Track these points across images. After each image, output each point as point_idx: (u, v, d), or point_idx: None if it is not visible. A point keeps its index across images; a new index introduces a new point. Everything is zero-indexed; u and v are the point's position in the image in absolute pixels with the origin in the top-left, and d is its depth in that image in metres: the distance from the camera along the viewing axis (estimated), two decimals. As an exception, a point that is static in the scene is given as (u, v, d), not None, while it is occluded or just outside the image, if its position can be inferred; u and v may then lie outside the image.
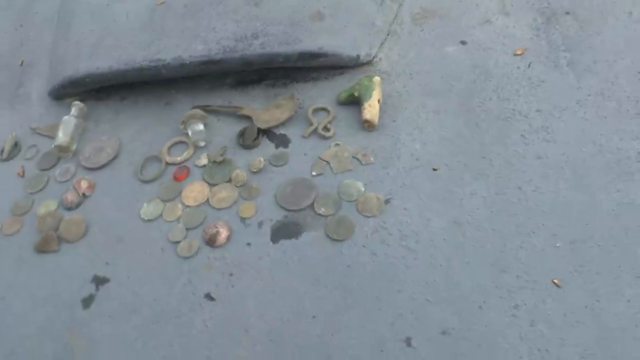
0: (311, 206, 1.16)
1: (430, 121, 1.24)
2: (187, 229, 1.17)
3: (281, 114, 1.30)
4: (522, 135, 1.19)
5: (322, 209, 1.14)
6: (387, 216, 1.12)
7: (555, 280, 1.00)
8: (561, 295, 0.99)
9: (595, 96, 1.22)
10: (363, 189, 1.16)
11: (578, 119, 1.19)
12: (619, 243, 1.03)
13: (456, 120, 1.24)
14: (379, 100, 1.26)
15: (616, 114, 1.20)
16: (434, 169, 1.17)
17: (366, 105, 1.23)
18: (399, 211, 1.12)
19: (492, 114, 1.23)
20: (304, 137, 1.26)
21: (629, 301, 0.97)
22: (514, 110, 1.23)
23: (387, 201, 1.14)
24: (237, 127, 1.31)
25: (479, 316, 0.98)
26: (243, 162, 1.24)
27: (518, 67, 1.30)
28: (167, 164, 1.28)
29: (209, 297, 1.06)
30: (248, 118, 1.31)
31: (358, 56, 1.35)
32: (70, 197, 1.25)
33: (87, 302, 1.11)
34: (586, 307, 0.97)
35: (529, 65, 1.30)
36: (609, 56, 1.29)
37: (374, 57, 1.36)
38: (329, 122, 1.26)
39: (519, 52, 1.33)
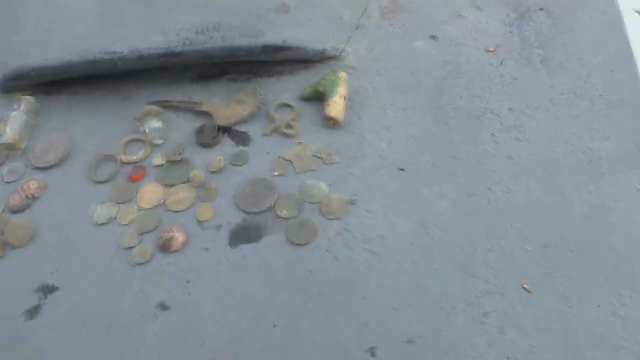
0: (272, 208, 1.10)
1: (397, 119, 1.19)
2: (140, 233, 1.10)
3: (243, 110, 1.23)
4: (492, 134, 1.14)
5: (284, 211, 1.09)
6: (351, 218, 1.07)
7: (526, 285, 0.96)
8: (531, 300, 0.95)
9: (568, 94, 1.19)
10: (327, 190, 1.11)
11: (550, 117, 1.15)
12: (589, 246, 0.99)
13: (424, 117, 1.19)
14: (344, 97, 1.20)
15: (588, 112, 1.16)
16: (401, 169, 1.12)
17: (331, 101, 1.18)
18: (363, 213, 1.07)
19: (462, 111, 1.18)
20: (265, 135, 1.20)
21: (599, 306, 0.93)
22: (485, 108, 1.18)
23: (351, 203, 1.08)
24: (196, 123, 1.24)
25: (447, 323, 0.93)
26: (201, 161, 1.18)
27: (490, 64, 1.25)
28: (122, 163, 1.20)
29: (162, 305, 1.00)
30: (208, 114, 1.24)
31: (324, 50, 1.29)
32: (18, 198, 1.17)
33: (33, 312, 1.03)
34: (556, 312, 0.93)
35: (502, 62, 1.26)
36: (581, 54, 1.25)
37: (340, 52, 1.30)
38: (293, 119, 1.21)
39: (491, 48, 1.28)
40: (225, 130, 1.22)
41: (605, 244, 0.99)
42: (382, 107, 1.21)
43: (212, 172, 1.16)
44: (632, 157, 1.09)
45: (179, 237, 1.07)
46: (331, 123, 1.17)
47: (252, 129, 1.21)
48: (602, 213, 1.03)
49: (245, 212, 1.10)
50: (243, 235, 1.08)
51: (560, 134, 1.13)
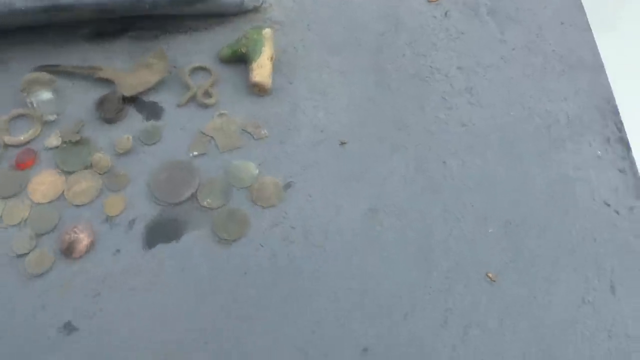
0: (193, 197, 0.93)
1: (334, 83, 1.03)
2: (36, 235, 0.90)
3: (151, 76, 1.03)
4: (443, 97, 1.01)
5: (207, 200, 0.92)
6: (287, 205, 0.92)
7: (490, 274, 0.85)
8: (496, 292, 0.84)
9: (520, 50, 1.06)
10: (257, 172, 0.95)
11: (504, 77, 1.03)
12: (553, 224, 0.90)
13: (365, 81, 1.04)
14: (270, 58, 1.03)
15: (542, 71, 1.05)
16: (342, 143, 0.97)
17: (255, 65, 1.00)
18: (302, 198, 0.92)
19: (407, 72, 1.04)
20: (179, 105, 1.01)
21: (567, 293, 0.84)
22: (431, 67, 1.04)
23: (287, 186, 0.93)
24: (95, 93, 1.03)
25: (405, 327, 0.82)
26: (106, 141, 0.98)
27: (434, 17, 1.11)
28: (6, 145, 0.99)
29: (68, 327, 0.82)
30: (109, 82, 1.03)
31: (242, 1, 1.09)
32: None
33: None
34: (524, 304, 0.84)
35: (446, 14, 1.11)
36: (531, 3, 1.12)
37: (262, 3, 1.11)
38: (211, 86, 1.02)
39: (432, -2, 1.13)
40: (132, 101, 1.02)
41: (568, 220, 0.90)
42: (315, 70, 1.04)
43: (120, 155, 0.97)
44: (591, 119, 0.99)
45: (84, 239, 0.89)
46: (257, 90, 1.00)
47: (163, 99, 1.02)
48: (563, 185, 0.93)
49: (161, 203, 0.92)
50: (161, 232, 0.91)
51: (515, 96, 1.01)
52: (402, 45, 1.07)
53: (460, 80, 1.02)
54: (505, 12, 1.10)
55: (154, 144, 0.98)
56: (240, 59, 1.03)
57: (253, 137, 0.97)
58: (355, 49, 1.06)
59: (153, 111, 1.01)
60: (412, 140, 0.96)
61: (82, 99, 1.03)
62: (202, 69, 1.05)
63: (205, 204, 0.92)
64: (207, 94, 1.01)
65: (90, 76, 1.04)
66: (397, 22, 1.10)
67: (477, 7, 1.12)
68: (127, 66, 1.05)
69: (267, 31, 1.02)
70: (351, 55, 1.05)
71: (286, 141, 0.96)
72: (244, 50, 1.01)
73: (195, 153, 0.96)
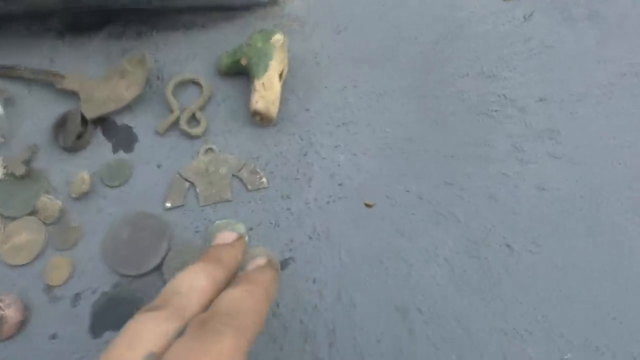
0: (160, 268, 0.69)
1: (364, 113, 0.75)
2: (-50, 306, 0.69)
3: (126, 90, 0.78)
4: (514, 144, 0.72)
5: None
6: (284, 294, 0.66)
7: None
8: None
9: (630, 77, 0.74)
10: (246, 239, 0.69)
11: (605, 116, 0.72)
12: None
13: (406, 111, 0.75)
14: (280, 75, 0.75)
15: (665, 108, 0.72)
16: (368, 205, 0.70)
17: (258, 84, 0.73)
18: (303, 285, 0.66)
19: (465, 102, 0.75)
20: (157, 133, 0.75)
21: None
22: (501, 96, 0.74)
23: (284, 264, 0.67)
24: (58, 106, 0.79)
25: None
26: (61, 177, 0.75)
27: (509, 21, 0.79)
28: (-61, 173, 0.77)
29: None
30: (74, 94, 0.79)
31: (253, -9, 0.82)
32: None
33: None
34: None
35: (528, 17, 0.79)
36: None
37: (279, -6, 0.84)
38: (200, 108, 0.76)
39: (510, -8, 0.82)
40: (99, 122, 0.78)
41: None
42: (340, 92, 0.76)
43: (75, 199, 0.73)
44: None
45: (12, 316, 0.67)
46: (258, 119, 0.73)
47: (140, 121, 0.77)
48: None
49: (118, 272, 0.68)
50: (113, 314, 0.68)
51: (621, 148, 0.70)
52: (461, 61, 0.77)
53: (541, 119, 0.72)
54: (609, 19, 0.78)
55: (119, 186, 0.73)
56: (241, 72, 0.76)
57: (247, 187, 0.71)
58: (396, 64, 0.77)
59: (124, 139, 0.76)
60: (465, 207, 0.68)
61: (40, 114, 0.79)
62: (193, 82, 0.78)
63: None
64: (194, 120, 0.75)
65: (52, 84, 0.80)
66: (457, 28, 0.79)
67: (569, 9, 0.80)
68: (102, 71, 0.80)
69: (277, 38, 0.74)
70: (390, 73, 0.77)
71: (291, 195, 0.70)
72: (244, 62, 0.74)
73: (169, 205, 0.71)
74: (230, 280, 0.47)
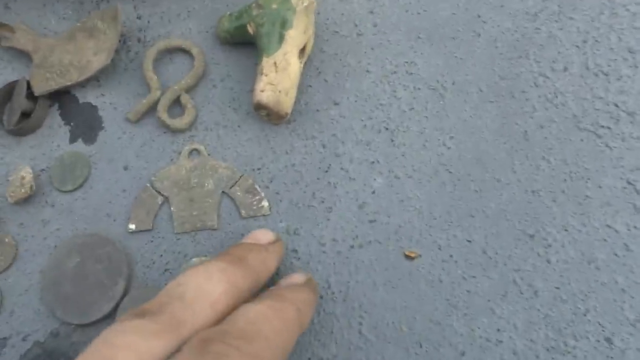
0: (113, 316, 0.49)
1: (417, 112, 0.52)
2: None
3: (94, 55, 0.57)
4: (630, 181, 0.47)
5: None
6: (273, 380, 0.46)
7: None
8: None
9: None
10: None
11: None
12: None
13: (478, 117, 0.51)
14: (302, 50, 0.52)
15: None
16: (408, 256, 0.48)
17: (267, 63, 0.50)
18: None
19: (561, 109, 0.50)
20: (129, 119, 0.54)
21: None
22: (612, 105, 0.50)
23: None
24: (4, 72, 0.59)
25: None
26: (1, 171, 0.55)
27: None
28: None
29: None
30: (25, 55, 0.59)
31: None
32: None
33: None
34: None
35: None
36: None
37: None
38: (188, 89, 0.54)
39: None
40: (55, 97, 0.57)
41: None
42: (387, 78, 0.53)
43: (12, 204, 0.54)
44: None
45: None
46: (264, 114, 0.51)
47: (108, 100, 0.56)
48: None
49: (59, 319, 0.49)
50: None
51: None
52: (561, 47, 0.52)
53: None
54: None
55: (72, 190, 0.53)
56: (250, 42, 0.54)
57: (241, 211, 0.49)
58: (471, 44, 0.53)
59: (86, 123, 0.56)
60: (550, 275, 0.46)
61: (-17, 79, 0.59)
62: (181, 50, 0.56)
63: (126, 339, 0.47)
64: (179, 106, 0.54)
65: None
66: (555, 4, 0.54)
67: None
68: (66, 27, 0.59)
69: (301, -4, 0.51)
70: (462, 57, 0.52)
71: (301, 231, 0.49)
72: (251, 29, 0.51)
73: (133, 227, 0.50)
74: (255, 293, 0.36)
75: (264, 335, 0.32)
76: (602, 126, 0.50)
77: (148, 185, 0.52)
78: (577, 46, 0.53)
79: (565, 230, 0.48)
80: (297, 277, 0.42)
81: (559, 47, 0.53)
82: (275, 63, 0.50)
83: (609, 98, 0.51)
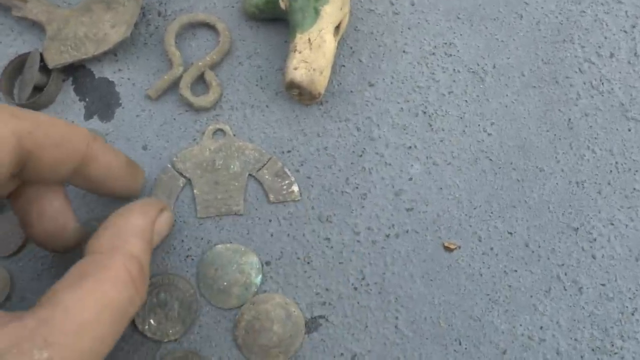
0: (129, 307, 0.46)
1: (457, 96, 0.49)
2: None
3: (112, 28, 0.54)
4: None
5: (150, 321, 0.45)
6: (307, 377, 0.44)
7: None
8: None
9: None
10: (258, 280, 0.46)
11: None
12: None
13: (521, 103, 0.49)
14: (338, 27, 0.49)
15: None
16: (447, 248, 0.45)
17: (301, 40, 0.47)
18: None
19: (607, 97, 0.48)
20: (149, 97, 0.51)
21: None
22: None
23: (312, 325, 0.44)
24: (15, 44, 0.56)
25: None
26: (8, 144, 0.51)
27: None
28: None
29: None
30: (37, 26, 0.55)
31: None
32: None
33: None
34: None
35: None
36: None
37: None
38: (213, 66, 0.51)
39: None
40: (70, 71, 0.54)
41: None
42: (425, 59, 0.50)
43: (22, 181, 0.50)
44: None
45: None
46: (296, 94, 0.48)
47: (127, 77, 0.53)
48: None
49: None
50: None
51: None
52: (608, 30, 0.49)
53: None
54: None
55: (87, 170, 0.49)
56: (279, 17, 0.50)
57: (269, 196, 0.47)
58: (515, 26, 0.50)
59: (102, 99, 0.52)
60: (596, 272, 0.44)
61: (-7, 49, 0.55)
62: (206, 26, 0.53)
63: (143, 329, 0.44)
64: (203, 83, 0.51)
65: (8, 9, 0.56)
66: None
67: None
68: (81, -3, 0.55)
69: (338, -31, 0.48)
70: (505, 40, 0.50)
71: (334, 218, 0.46)
72: (283, 4, 0.48)
73: (153, 209, 0.47)
74: None
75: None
76: (651, 116, 0.48)
77: (169, 165, 0.49)
78: (625, 31, 0.50)
79: (612, 224, 0.46)
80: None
81: (605, 32, 0.51)
82: (309, 40, 0.47)
83: (659, 86, 0.48)
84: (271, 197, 0.47)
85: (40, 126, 0.36)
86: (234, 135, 0.49)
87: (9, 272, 0.48)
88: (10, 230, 0.49)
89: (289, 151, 0.49)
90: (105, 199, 0.48)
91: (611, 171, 0.47)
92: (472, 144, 0.48)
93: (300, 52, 0.47)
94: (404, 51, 0.51)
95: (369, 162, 0.48)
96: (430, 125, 0.48)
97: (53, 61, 0.52)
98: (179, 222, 0.48)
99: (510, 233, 0.46)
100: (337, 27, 0.50)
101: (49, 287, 0.44)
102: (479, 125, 0.48)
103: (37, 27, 0.55)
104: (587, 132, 0.48)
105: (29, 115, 0.36)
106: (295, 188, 0.47)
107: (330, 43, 0.48)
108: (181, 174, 0.49)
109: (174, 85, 0.51)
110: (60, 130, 0.37)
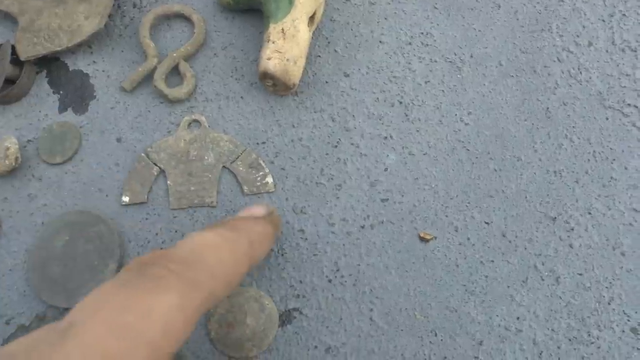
0: (102, 301, 0.45)
1: (433, 86, 0.48)
2: None
3: (86, 19, 0.53)
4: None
5: None
6: (277, 368, 0.43)
7: None
8: None
9: None
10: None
11: None
12: None
13: (497, 93, 0.48)
14: (312, 17, 0.48)
15: None
16: (423, 238, 0.45)
17: (275, 30, 0.47)
18: (313, 355, 0.43)
19: (585, 86, 0.47)
20: (123, 89, 0.50)
21: None
22: (638, 82, 0.47)
23: (285, 318, 0.44)
24: (-8, 35, 0.55)
25: None
26: (-18, 139, 0.51)
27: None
28: None
29: None
30: (9, 18, 0.55)
31: None
32: None
33: None
34: None
35: None
36: None
37: None
38: (187, 57, 0.50)
39: None
40: (44, 63, 0.53)
41: None
42: (401, 49, 0.50)
43: (-4, 175, 0.50)
44: None
45: None
46: (270, 86, 0.47)
47: (101, 69, 0.52)
48: None
49: (45, 302, 0.46)
50: None
51: None
52: (586, 19, 0.49)
53: None
54: None
55: (61, 163, 0.49)
56: (255, 7, 0.50)
57: (243, 188, 0.46)
58: (491, 15, 0.50)
59: (76, 91, 0.52)
60: (573, 261, 0.43)
61: (-33, 42, 0.55)
62: (180, 16, 0.52)
63: (118, 323, 0.43)
64: (177, 74, 0.50)
65: (-14, 0, 0.55)
66: None
67: None
68: (55, -12, 0.55)
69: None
70: (481, 29, 0.50)
71: (308, 210, 0.45)
72: (257, -8, 0.48)
73: (126, 200, 0.47)
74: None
75: (207, 263, 0.30)
76: (629, 104, 0.47)
77: (143, 155, 0.48)
78: (603, 20, 0.50)
79: (589, 213, 0.45)
80: (258, 210, 0.40)
81: (583, 21, 0.50)
82: (283, 30, 0.46)
83: (637, 75, 0.48)
84: (245, 188, 0.47)
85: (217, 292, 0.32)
86: (209, 126, 0.49)
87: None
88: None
89: (263, 142, 0.48)
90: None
91: (589, 160, 0.46)
92: (448, 134, 0.47)
93: (273, 42, 0.46)
94: (380, 41, 0.50)
95: (344, 152, 0.47)
96: (407, 115, 0.48)
97: (25, 53, 0.51)
98: (153, 214, 0.47)
99: (487, 223, 0.45)
100: (312, 17, 0.49)
101: (20, 281, 0.44)
102: (455, 114, 0.48)
103: (8, 18, 0.54)
104: (565, 121, 0.47)
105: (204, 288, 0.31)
106: (269, 180, 0.47)
107: (304, 33, 0.47)
108: (155, 164, 0.48)
109: (149, 77, 0.51)
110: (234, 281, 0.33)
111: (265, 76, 0.47)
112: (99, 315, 0.25)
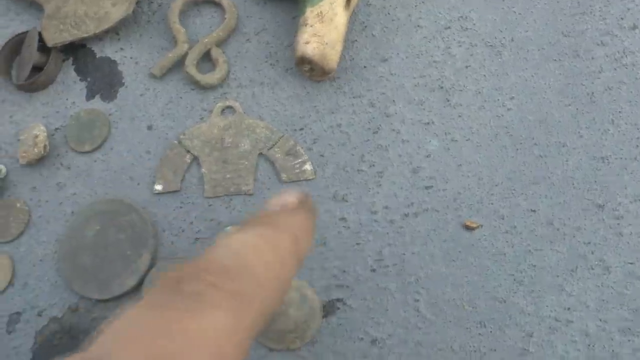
0: (139, 290, 0.44)
1: (474, 71, 0.47)
2: None
3: (113, 6, 0.52)
4: None
5: None
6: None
7: None
8: None
9: None
10: None
11: None
12: None
13: (540, 77, 0.47)
14: (349, 1, 0.47)
15: None
16: (468, 226, 0.43)
17: (311, 14, 0.45)
18: (359, 347, 0.41)
19: (631, 69, 0.46)
20: (153, 75, 0.49)
21: None
22: None
23: (329, 308, 0.42)
24: (12, 24, 0.54)
25: None
26: (8, 127, 0.50)
27: None
28: None
29: None
30: (35, 6, 0.53)
31: None
32: None
33: None
34: None
35: None
36: None
37: None
38: (219, 43, 0.49)
39: None
40: (70, 51, 0.52)
41: None
42: (440, 33, 0.48)
43: (24, 166, 0.48)
44: None
45: None
46: (307, 70, 0.46)
47: (130, 55, 0.50)
48: None
49: (77, 293, 0.44)
50: (65, 354, 0.43)
51: None
52: (630, 6, 0.48)
53: None
54: None
55: (90, 151, 0.48)
56: (288, -8, 0.49)
57: (281, 175, 0.44)
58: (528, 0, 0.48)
59: (104, 79, 0.50)
60: (624, 251, 0.42)
61: (-9, 30, 0.53)
62: (209, 2, 0.51)
63: (154, 315, 0.42)
64: (209, 60, 0.48)
65: (10, -13, 0.53)
66: None
67: None
68: (80, -26, 0.53)
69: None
70: (522, 12, 0.48)
71: (349, 198, 0.44)
72: (293, -24, 0.46)
73: (159, 188, 0.45)
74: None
75: (251, 270, 0.26)
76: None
77: (176, 142, 0.46)
78: (647, 2, 0.49)
79: (638, 200, 0.44)
80: (291, 197, 0.34)
81: (627, 3, 0.49)
82: (321, 12, 0.45)
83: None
84: (283, 176, 0.45)
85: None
86: (244, 112, 0.47)
87: (10, 257, 0.46)
88: (10, 215, 0.47)
89: (301, 129, 0.47)
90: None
91: (637, 146, 0.45)
92: (491, 119, 0.46)
93: (311, 26, 0.45)
94: (418, 25, 0.49)
95: (384, 139, 0.46)
96: (448, 101, 0.46)
97: (52, 40, 0.50)
98: (187, 203, 0.46)
99: (534, 211, 0.44)
100: (349, 1, 0.47)
101: (51, 271, 0.42)
102: (498, 99, 0.46)
103: (34, 6, 0.53)
104: (611, 106, 0.46)
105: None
106: (308, 167, 0.45)
107: (341, 17, 0.46)
108: (188, 151, 0.46)
109: (179, 63, 0.49)
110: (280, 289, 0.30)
111: (303, 61, 0.45)
112: (134, 346, 0.21)
